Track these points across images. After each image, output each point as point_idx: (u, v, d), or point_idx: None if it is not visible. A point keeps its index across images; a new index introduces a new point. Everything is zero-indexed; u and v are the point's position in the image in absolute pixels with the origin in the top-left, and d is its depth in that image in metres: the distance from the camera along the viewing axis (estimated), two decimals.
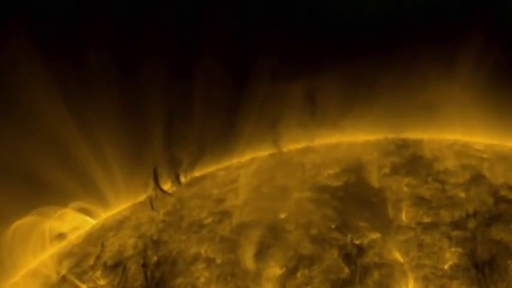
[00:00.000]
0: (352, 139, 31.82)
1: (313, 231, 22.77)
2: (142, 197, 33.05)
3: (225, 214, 25.66)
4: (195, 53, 34.06)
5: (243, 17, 33.21)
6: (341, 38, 33.19)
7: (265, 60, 33.30)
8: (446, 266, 20.06)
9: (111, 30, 31.66)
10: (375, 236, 21.92)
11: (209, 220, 25.53)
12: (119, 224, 28.60)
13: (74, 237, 30.81)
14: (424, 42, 32.54)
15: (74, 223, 32.43)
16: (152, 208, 28.17)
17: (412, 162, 27.27)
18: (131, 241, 26.15)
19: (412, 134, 31.47)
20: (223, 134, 33.84)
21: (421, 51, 32.60)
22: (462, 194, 23.92)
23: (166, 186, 30.93)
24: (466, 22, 31.84)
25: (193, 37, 33.53)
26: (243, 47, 34.08)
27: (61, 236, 31.79)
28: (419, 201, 23.68)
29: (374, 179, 25.98)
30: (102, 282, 24.20)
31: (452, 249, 20.74)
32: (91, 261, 25.89)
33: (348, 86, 32.68)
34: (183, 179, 31.21)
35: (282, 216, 24.08)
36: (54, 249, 30.81)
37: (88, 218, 32.83)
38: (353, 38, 32.93)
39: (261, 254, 22.16)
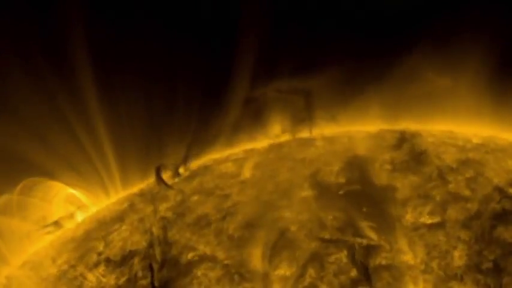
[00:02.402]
0: (351, 131, 31.87)
1: (319, 231, 22.80)
2: (138, 186, 32.94)
3: (230, 211, 25.54)
4: (189, 44, 33.96)
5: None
6: (337, 32, 33.17)
7: (260, 53, 33.27)
8: (454, 268, 20.23)
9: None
10: (381, 236, 21.98)
11: (214, 217, 25.42)
12: (120, 218, 28.35)
13: (72, 228, 30.54)
14: (420, 34, 32.59)
15: (68, 208, 32.19)
16: (154, 203, 27.95)
17: (414, 157, 27.28)
18: (135, 237, 26.02)
19: (410, 126, 31.62)
20: (217, 125, 33.81)
21: (418, 42, 32.65)
22: (466, 192, 24.02)
23: (165, 178, 30.76)
24: (462, 14, 31.89)
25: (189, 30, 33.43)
26: (239, 40, 33.97)
27: (56, 224, 31.55)
28: (424, 200, 23.75)
29: (377, 176, 26.00)
30: (106, 279, 24.09)
31: (459, 250, 20.88)
32: (94, 257, 25.72)
33: (343, 79, 32.77)
34: (181, 171, 31.05)
35: (287, 215, 24.05)
36: (52, 238, 30.56)
37: (84, 204, 32.61)
38: (349, 32, 32.92)
39: (268, 253, 22.16)
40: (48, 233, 31.25)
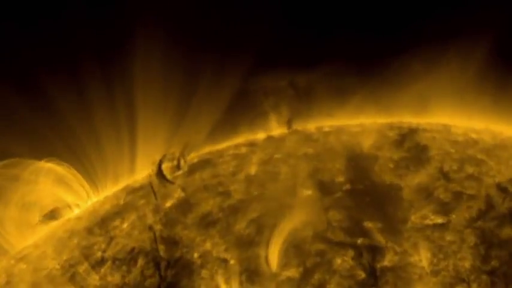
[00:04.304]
0: (349, 126, 31.85)
1: (326, 232, 22.81)
2: (136, 177, 32.68)
3: (234, 210, 25.37)
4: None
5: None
6: (335, 29, 33.22)
7: (259, 47, 33.17)
8: (460, 269, 20.42)
9: None
10: (388, 237, 22.10)
11: (218, 216, 25.23)
12: (121, 214, 28.02)
13: (71, 220, 30.19)
14: (418, 29, 32.64)
15: (61, 195, 31.77)
16: (155, 199, 27.73)
17: (416, 155, 27.39)
18: (138, 234, 25.83)
19: (409, 120, 31.75)
20: (212, 117, 33.68)
21: (416, 37, 32.69)
22: (470, 191, 24.18)
23: (165, 172, 30.47)
24: (460, 9, 31.99)
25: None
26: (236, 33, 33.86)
27: (52, 215, 31.22)
28: (429, 200, 23.88)
29: (380, 174, 26.05)
30: (111, 277, 24.01)
31: (465, 251, 21.08)
32: (97, 254, 25.53)
33: (341, 74, 32.81)
34: (182, 165, 30.82)
35: (292, 214, 23.91)
36: (49, 230, 30.23)
37: (80, 194, 32.25)
38: (347, 29, 32.97)
39: (275, 254, 22.20)
40: (44, 223, 30.90)
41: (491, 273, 19.97)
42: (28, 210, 30.72)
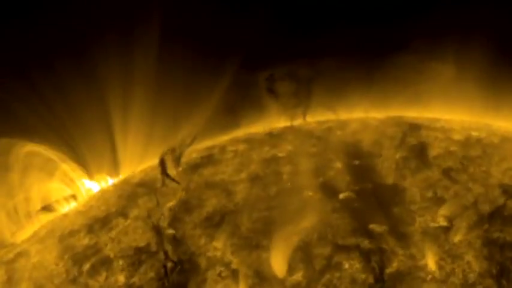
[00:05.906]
0: (349, 122, 31.81)
1: (332, 235, 22.74)
2: (136, 168, 32.50)
3: (238, 211, 25.20)
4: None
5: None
6: (335, 23, 33.14)
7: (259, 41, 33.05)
8: (468, 273, 20.51)
9: None
10: (395, 241, 22.14)
11: (222, 217, 25.05)
12: (122, 211, 27.69)
13: (69, 216, 29.90)
14: (418, 23, 32.60)
15: (56, 185, 31.44)
16: (157, 198, 27.53)
17: (418, 154, 27.38)
18: (141, 234, 25.63)
19: (410, 116, 31.80)
20: (210, 110, 33.51)
21: (416, 32, 32.67)
22: (474, 192, 24.22)
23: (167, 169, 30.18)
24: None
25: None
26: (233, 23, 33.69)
27: (48, 208, 30.94)
28: (434, 202, 23.92)
29: (383, 174, 26.02)
30: (115, 278, 23.85)
31: (471, 254, 21.15)
32: (99, 254, 25.31)
33: (340, 69, 32.80)
34: (181, 161, 30.56)
35: (297, 217, 23.84)
36: (46, 224, 29.96)
37: (77, 186, 32.00)
38: (348, 24, 32.90)
39: (281, 258, 22.15)
40: (40, 216, 30.61)
41: (497, 276, 20.04)
42: (19, 199, 30.40)
